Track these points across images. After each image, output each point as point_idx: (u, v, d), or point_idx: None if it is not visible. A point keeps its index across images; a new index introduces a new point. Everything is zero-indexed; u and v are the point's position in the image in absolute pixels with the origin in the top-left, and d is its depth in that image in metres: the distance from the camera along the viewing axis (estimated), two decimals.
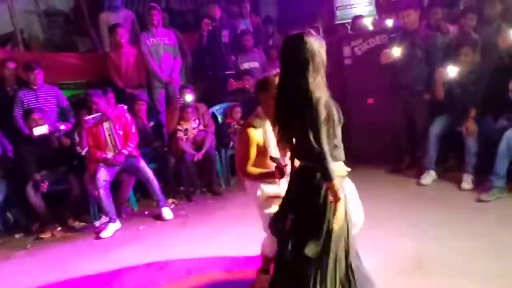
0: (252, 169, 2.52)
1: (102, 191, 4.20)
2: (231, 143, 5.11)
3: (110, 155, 4.38)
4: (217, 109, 5.54)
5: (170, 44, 5.56)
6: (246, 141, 2.47)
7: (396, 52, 4.39)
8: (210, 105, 5.44)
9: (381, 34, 5.06)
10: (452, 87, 4.27)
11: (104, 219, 4.40)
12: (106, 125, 4.43)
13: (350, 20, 5.83)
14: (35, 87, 4.81)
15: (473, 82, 4.18)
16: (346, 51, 5.23)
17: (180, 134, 4.93)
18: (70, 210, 4.55)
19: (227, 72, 5.75)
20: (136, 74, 5.51)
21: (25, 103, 4.74)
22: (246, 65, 5.67)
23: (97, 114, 4.41)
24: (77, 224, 4.50)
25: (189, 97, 4.96)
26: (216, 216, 4.28)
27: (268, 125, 2.50)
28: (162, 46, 5.50)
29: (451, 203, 3.80)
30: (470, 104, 4.15)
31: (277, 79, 2.20)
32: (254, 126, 2.49)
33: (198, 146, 4.92)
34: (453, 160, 4.57)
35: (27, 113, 4.54)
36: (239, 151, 2.62)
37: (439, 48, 4.52)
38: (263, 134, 2.49)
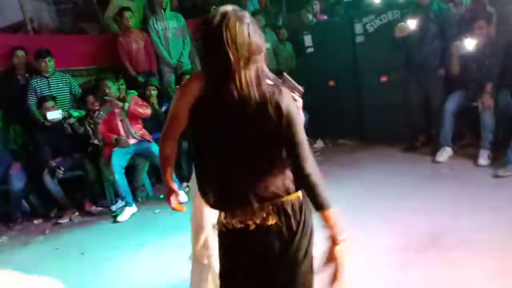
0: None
1: (117, 176, 4.25)
2: None
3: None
4: None
5: (179, 27, 5.51)
6: None
7: (412, 24, 4.28)
8: None
9: (393, 10, 4.93)
10: (467, 61, 4.17)
11: (120, 203, 4.45)
12: (118, 111, 4.45)
13: None
14: (47, 75, 4.83)
15: (488, 56, 4.08)
16: (358, 28, 5.13)
17: None
18: (87, 195, 4.62)
19: None
20: (147, 60, 5.48)
21: (38, 91, 4.76)
22: None
23: (106, 105, 4.41)
24: (94, 208, 4.57)
25: None
26: None
27: None
28: (170, 30, 5.45)
29: (468, 179, 3.75)
30: (486, 79, 4.06)
31: None
32: None
33: None
34: (469, 136, 4.49)
35: (41, 101, 4.58)
36: None
37: (453, 21, 4.40)
38: None
